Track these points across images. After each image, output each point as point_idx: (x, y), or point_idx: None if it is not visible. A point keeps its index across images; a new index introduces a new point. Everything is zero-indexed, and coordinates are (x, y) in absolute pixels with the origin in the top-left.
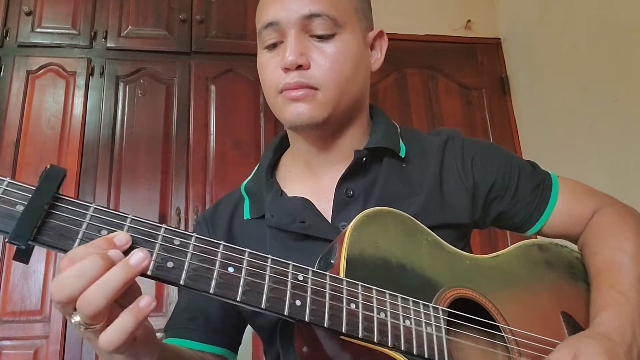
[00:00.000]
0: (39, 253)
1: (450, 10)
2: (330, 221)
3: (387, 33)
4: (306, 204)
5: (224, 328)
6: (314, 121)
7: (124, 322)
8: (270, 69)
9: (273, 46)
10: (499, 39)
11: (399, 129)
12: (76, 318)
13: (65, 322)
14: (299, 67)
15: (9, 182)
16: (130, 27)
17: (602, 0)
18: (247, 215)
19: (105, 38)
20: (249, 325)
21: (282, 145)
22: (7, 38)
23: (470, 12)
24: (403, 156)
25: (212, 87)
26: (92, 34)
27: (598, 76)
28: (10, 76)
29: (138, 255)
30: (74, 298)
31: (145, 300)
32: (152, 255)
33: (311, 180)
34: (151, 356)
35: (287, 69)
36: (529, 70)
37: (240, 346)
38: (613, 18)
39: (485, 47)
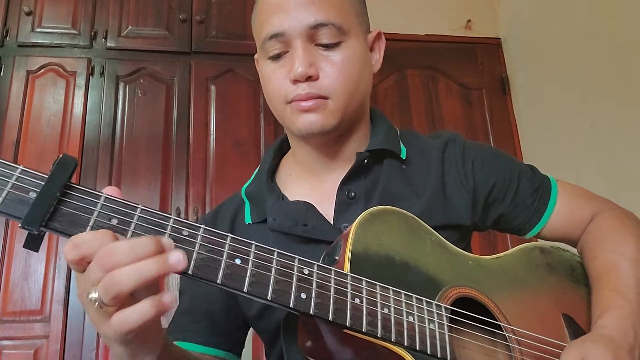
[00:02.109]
0: (39, 253)
1: (450, 10)
2: (332, 223)
3: (387, 33)
4: (308, 207)
5: (227, 331)
6: (325, 129)
7: (144, 309)
8: (277, 80)
9: (277, 57)
10: (499, 39)
11: (398, 132)
12: (93, 294)
13: (65, 322)
14: (308, 78)
15: (22, 170)
16: (130, 27)
17: (602, 1)
18: (248, 219)
19: (105, 38)
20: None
21: (282, 149)
22: (7, 38)
23: (470, 12)
24: (404, 158)
25: (212, 87)
26: (92, 33)
27: (598, 76)
28: (10, 76)
29: (177, 257)
30: (110, 269)
31: (168, 297)
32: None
33: (313, 183)
34: (153, 354)
35: (296, 81)
36: (529, 70)
37: None
38: (613, 18)
39: (485, 47)
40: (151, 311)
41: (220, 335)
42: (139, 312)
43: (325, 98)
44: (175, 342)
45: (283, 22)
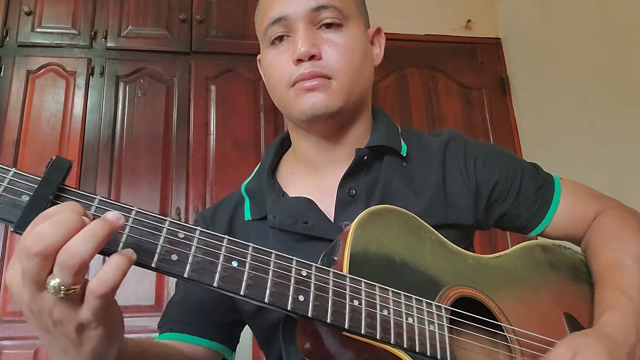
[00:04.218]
0: None
1: (450, 10)
2: (332, 221)
3: (387, 33)
4: (309, 204)
5: (219, 324)
6: (330, 110)
7: (115, 261)
8: (280, 63)
9: (279, 40)
10: (499, 38)
11: (399, 129)
12: (54, 281)
13: None
14: (312, 57)
15: (15, 172)
16: (130, 27)
17: (602, 0)
18: (247, 216)
19: (105, 38)
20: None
21: (283, 147)
22: (7, 38)
23: (470, 12)
24: (404, 155)
25: (212, 87)
26: (92, 33)
27: (598, 76)
28: (10, 76)
29: (113, 213)
30: (54, 249)
31: (129, 250)
32: (156, 247)
33: (313, 180)
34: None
35: (299, 61)
36: (529, 70)
37: (241, 346)
38: (613, 18)
39: (485, 47)
40: (123, 260)
41: (212, 327)
42: (112, 266)
43: (329, 78)
44: (166, 333)
45: (285, 7)
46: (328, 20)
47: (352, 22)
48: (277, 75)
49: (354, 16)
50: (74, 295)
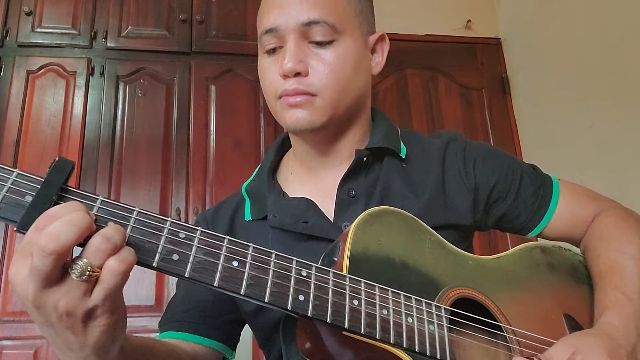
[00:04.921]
0: None
1: (450, 10)
2: (332, 221)
3: (387, 33)
4: (309, 204)
5: (220, 323)
6: (313, 126)
7: (128, 249)
8: (270, 74)
9: (273, 51)
10: (499, 39)
11: (399, 132)
12: (82, 262)
13: None
14: (297, 74)
15: (18, 173)
16: (130, 27)
17: (602, 0)
18: (248, 216)
19: (106, 38)
20: (248, 326)
21: (284, 147)
22: (7, 38)
23: (470, 12)
24: (404, 157)
25: (212, 87)
26: (92, 34)
27: (598, 76)
28: (10, 76)
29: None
30: (69, 247)
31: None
32: (157, 247)
33: (313, 180)
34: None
35: (285, 76)
36: (529, 70)
37: (241, 346)
38: (613, 18)
39: (485, 47)
40: (132, 251)
41: (213, 326)
42: (128, 252)
43: (313, 95)
44: (167, 332)
45: (277, 18)
46: (318, 39)
47: (347, 36)
48: (266, 85)
49: (350, 27)
50: (93, 279)
